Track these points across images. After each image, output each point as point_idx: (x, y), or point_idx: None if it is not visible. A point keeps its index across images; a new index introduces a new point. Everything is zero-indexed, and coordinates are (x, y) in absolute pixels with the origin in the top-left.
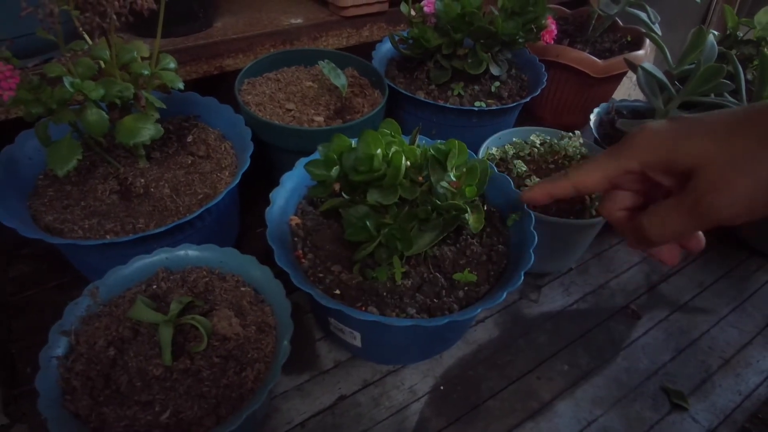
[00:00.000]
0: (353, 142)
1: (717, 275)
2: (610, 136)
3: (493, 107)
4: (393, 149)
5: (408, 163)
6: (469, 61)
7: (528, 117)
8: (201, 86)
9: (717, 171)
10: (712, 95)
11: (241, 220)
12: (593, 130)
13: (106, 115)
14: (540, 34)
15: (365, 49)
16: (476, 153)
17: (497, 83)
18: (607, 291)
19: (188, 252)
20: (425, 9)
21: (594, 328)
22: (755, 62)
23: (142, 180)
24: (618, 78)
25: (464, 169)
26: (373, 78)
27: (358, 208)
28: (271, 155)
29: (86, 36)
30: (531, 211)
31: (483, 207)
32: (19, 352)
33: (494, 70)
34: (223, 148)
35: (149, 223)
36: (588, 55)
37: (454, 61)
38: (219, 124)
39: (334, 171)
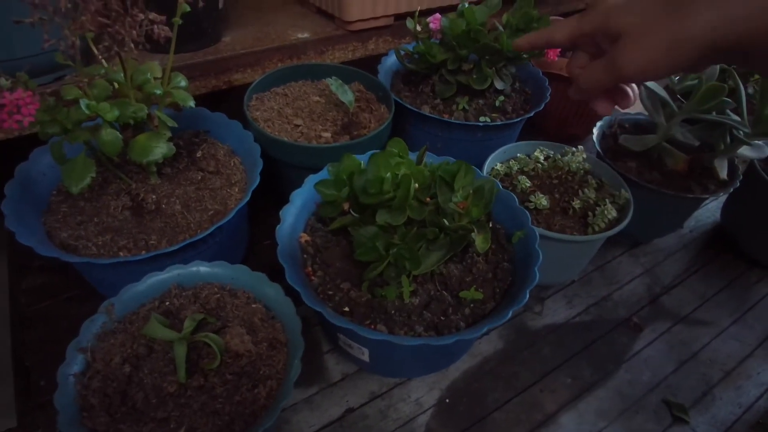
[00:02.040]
0: (362, 163)
1: (718, 287)
2: (612, 150)
3: (497, 122)
4: (402, 172)
5: (416, 185)
6: (474, 76)
7: (533, 128)
8: (210, 99)
9: (630, 35)
10: (714, 112)
11: (251, 232)
12: (596, 144)
13: (120, 135)
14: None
15: (371, 62)
16: (481, 165)
17: (501, 97)
18: (610, 303)
19: (200, 268)
20: (431, 25)
21: (597, 340)
22: (756, 75)
23: (154, 196)
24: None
25: (471, 190)
26: (379, 93)
27: (367, 228)
28: (279, 170)
29: (104, 61)
30: (535, 229)
31: (489, 224)
32: (34, 364)
33: (498, 85)
34: (232, 164)
35: (161, 239)
36: None
37: (459, 75)
38: (228, 140)
39: (344, 192)
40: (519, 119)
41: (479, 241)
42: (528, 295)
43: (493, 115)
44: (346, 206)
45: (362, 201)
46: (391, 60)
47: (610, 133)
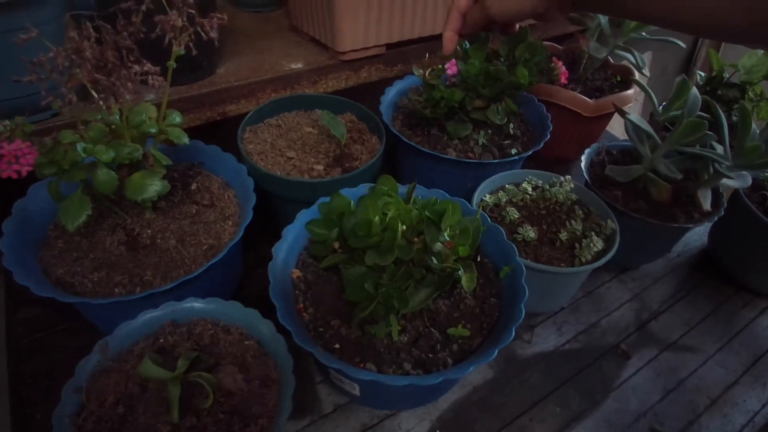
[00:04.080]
0: (352, 202)
1: (705, 312)
2: (600, 178)
3: (494, 161)
4: (390, 214)
5: (404, 227)
6: (496, 112)
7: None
8: (204, 127)
9: None
10: (697, 145)
11: (244, 261)
12: (584, 173)
13: (115, 174)
14: (557, 76)
15: (363, 89)
16: (473, 191)
17: (512, 125)
18: (599, 330)
19: (194, 305)
20: (448, 71)
21: (585, 369)
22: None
23: (149, 231)
24: (610, 115)
25: (458, 231)
26: (371, 124)
27: (357, 268)
28: (273, 201)
29: (101, 102)
30: (522, 263)
31: (477, 258)
32: (29, 396)
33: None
34: (226, 197)
35: (156, 275)
36: (579, 95)
37: (474, 113)
38: (223, 172)
39: (334, 233)
40: (518, 157)
41: (465, 280)
42: (514, 333)
43: (507, 141)
44: (336, 245)
45: (351, 244)
46: (391, 94)
47: (597, 160)
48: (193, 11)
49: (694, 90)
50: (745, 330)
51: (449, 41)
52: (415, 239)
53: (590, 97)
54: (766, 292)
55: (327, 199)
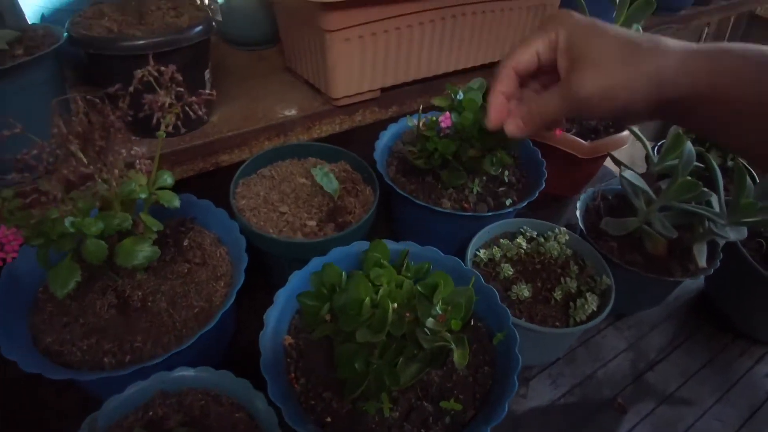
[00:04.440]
0: (344, 274)
1: (702, 361)
2: (596, 228)
3: (488, 213)
4: (381, 292)
5: (395, 305)
6: (490, 163)
7: None
8: (196, 177)
9: (592, 56)
10: (693, 202)
11: (237, 317)
12: (579, 221)
13: (104, 244)
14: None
15: (359, 131)
16: (469, 242)
17: (506, 171)
18: (595, 382)
19: (184, 374)
20: (442, 124)
21: (582, 424)
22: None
23: (140, 293)
24: (606, 155)
25: (450, 306)
26: (364, 174)
27: (347, 345)
28: (265, 258)
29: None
30: (515, 329)
31: (470, 321)
32: None
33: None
34: (218, 254)
35: (146, 341)
36: (574, 137)
37: (468, 163)
38: (215, 227)
39: (325, 308)
40: (512, 209)
41: (457, 356)
42: (507, 407)
43: (502, 189)
44: (327, 316)
45: (342, 324)
46: (385, 139)
47: (593, 206)
48: (182, 89)
49: (689, 144)
50: (742, 380)
51: (496, 110)
52: (407, 314)
53: (585, 138)
54: (763, 339)
55: (322, 260)
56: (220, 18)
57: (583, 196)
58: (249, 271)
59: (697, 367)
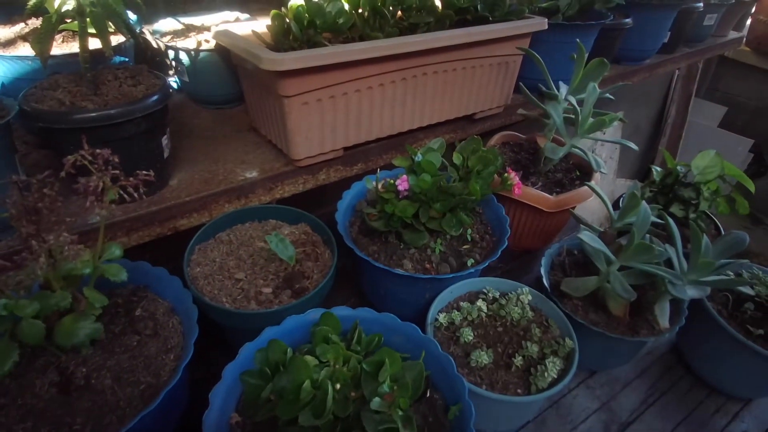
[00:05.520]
0: (289, 350)
1: (676, 420)
2: (560, 285)
3: (447, 275)
4: (322, 374)
5: (338, 385)
6: (450, 224)
7: None
8: (155, 243)
9: None
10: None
11: (192, 385)
12: (544, 279)
13: (41, 324)
14: (511, 186)
15: (323, 189)
16: (431, 304)
17: (470, 230)
18: None
19: None
20: (399, 187)
21: None
22: (697, 202)
23: (84, 369)
24: (573, 207)
25: (395, 386)
26: (324, 236)
27: (290, 429)
28: (221, 327)
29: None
30: (471, 403)
31: (426, 393)
32: None
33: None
34: (171, 325)
35: (86, 423)
36: (540, 192)
37: (430, 223)
38: (169, 296)
39: (267, 389)
40: (473, 269)
41: None
42: None
43: (465, 247)
44: (272, 396)
45: (279, 410)
46: (348, 198)
47: (558, 261)
48: (117, 172)
49: (644, 204)
50: None
51: None
52: (353, 393)
53: (551, 192)
54: (736, 394)
55: (274, 331)
56: (186, 79)
57: (548, 252)
58: (207, 341)
59: (671, 426)
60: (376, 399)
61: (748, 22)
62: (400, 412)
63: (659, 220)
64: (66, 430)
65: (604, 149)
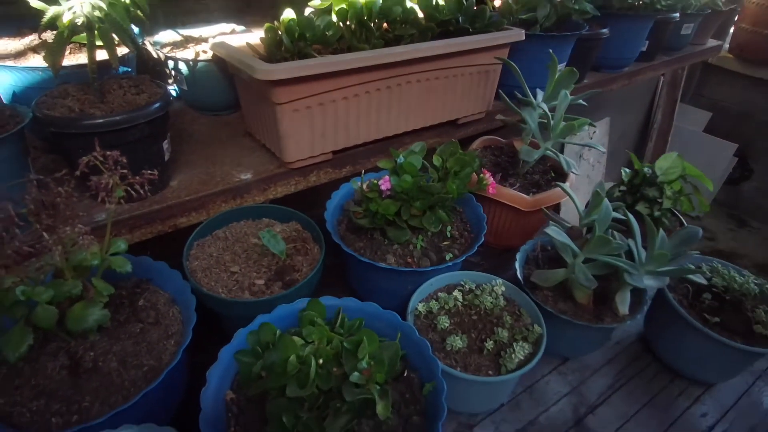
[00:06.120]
0: (278, 332)
1: (641, 403)
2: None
3: (427, 268)
4: (307, 350)
5: (321, 360)
6: (430, 221)
7: None
8: (157, 240)
9: None
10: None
11: (190, 371)
12: (518, 272)
13: (54, 310)
14: (486, 186)
15: (314, 190)
16: (412, 295)
17: (449, 227)
18: (536, 428)
19: None
20: (382, 186)
21: None
22: (661, 200)
23: (92, 353)
24: (549, 207)
25: (372, 363)
26: (314, 233)
27: (279, 401)
28: (218, 316)
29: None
30: (443, 380)
31: (404, 373)
32: None
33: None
34: (171, 314)
35: (94, 401)
36: (517, 192)
37: (411, 220)
38: (169, 288)
39: (258, 365)
40: (451, 263)
41: (380, 408)
42: None
43: (445, 243)
44: (263, 373)
45: (270, 380)
46: (337, 199)
47: (533, 256)
48: (126, 171)
49: (606, 202)
50: (679, 420)
51: None
52: (335, 369)
53: (528, 193)
54: (699, 379)
55: (265, 318)
56: (185, 87)
57: (523, 248)
58: (205, 330)
59: (636, 408)
60: (356, 373)
61: (731, 30)
62: (377, 386)
63: (623, 217)
64: (76, 407)
65: (592, 154)
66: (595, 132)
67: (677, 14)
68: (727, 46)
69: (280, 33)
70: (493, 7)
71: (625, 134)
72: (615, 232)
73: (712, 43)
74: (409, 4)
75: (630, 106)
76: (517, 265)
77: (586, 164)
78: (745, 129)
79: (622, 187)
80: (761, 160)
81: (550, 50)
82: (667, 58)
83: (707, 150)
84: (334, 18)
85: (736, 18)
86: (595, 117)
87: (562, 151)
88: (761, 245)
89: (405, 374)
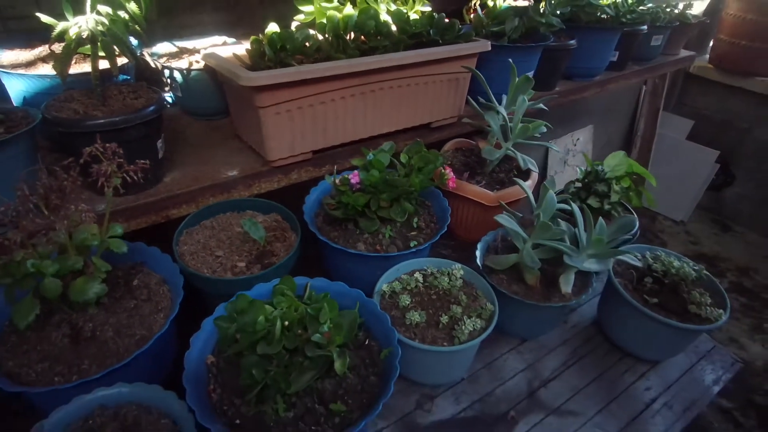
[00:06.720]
0: (251, 300)
1: (590, 378)
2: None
3: (395, 254)
4: (274, 313)
5: (286, 322)
6: (396, 212)
7: (446, 234)
8: (151, 228)
9: None
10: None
11: (178, 342)
12: (477, 259)
13: (59, 282)
14: (446, 182)
15: (296, 186)
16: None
17: (416, 219)
18: (493, 398)
19: (121, 390)
20: (352, 180)
21: None
22: (609, 194)
23: (91, 324)
24: (511, 203)
25: (332, 327)
26: (292, 223)
27: (250, 357)
28: (204, 295)
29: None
30: (399, 347)
31: (366, 342)
32: None
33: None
34: (161, 292)
35: (92, 364)
36: (482, 189)
37: (380, 211)
38: (161, 270)
39: (233, 327)
40: (416, 249)
41: (338, 365)
42: (381, 406)
43: (413, 233)
44: (238, 336)
45: (242, 339)
46: (315, 194)
47: (493, 245)
48: (122, 160)
49: (550, 193)
50: (624, 393)
51: None
52: (300, 332)
53: (492, 189)
54: (645, 357)
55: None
56: (180, 94)
57: (484, 238)
58: (192, 307)
59: (585, 382)
60: (317, 335)
61: (711, 42)
62: (337, 348)
63: (568, 207)
64: (76, 369)
65: (576, 159)
66: (578, 139)
67: (645, 27)
68: (707, 56)
69: (264, 45)
70: (470, 20)
71: (610, 141)
72: (561, 221)
73: (684, 53)
74: (384, 18)
75: (614, 115)
76: (477, 252)
77: (571, 170)
78: (727, 136)
79: (578, 184)
80: (743, 167)
81: (510, 60)
82: (639, 68)
83: (690, 157)
84: (314, 31)
85: (716, 30)
86: (577, 125)
87: (546, 156)
88: (744, 249)
89: (367, 342)
